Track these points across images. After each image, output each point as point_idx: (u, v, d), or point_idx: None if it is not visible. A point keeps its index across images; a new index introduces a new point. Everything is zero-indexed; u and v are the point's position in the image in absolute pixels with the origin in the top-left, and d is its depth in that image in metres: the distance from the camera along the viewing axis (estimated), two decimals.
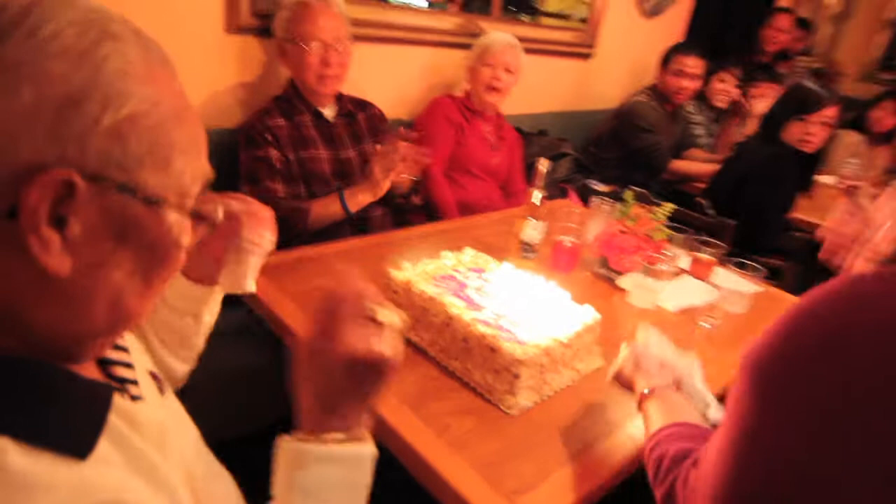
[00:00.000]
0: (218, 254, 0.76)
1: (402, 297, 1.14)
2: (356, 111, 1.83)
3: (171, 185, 0.45)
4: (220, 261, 0.76)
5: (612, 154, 2.77)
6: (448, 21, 2.35)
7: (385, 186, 1.60)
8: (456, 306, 1.05)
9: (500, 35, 2.16)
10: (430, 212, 2.04)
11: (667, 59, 2.76)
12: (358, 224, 1.70)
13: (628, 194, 1.51)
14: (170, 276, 0.48)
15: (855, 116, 3.41)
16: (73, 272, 0.40)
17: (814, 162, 2.26)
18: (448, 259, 1.26)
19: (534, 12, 2.72)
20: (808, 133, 2.12)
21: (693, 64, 2.70)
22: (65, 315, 0.42)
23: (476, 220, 1.88)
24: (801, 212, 2.36)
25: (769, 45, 3.59)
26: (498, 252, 1.43)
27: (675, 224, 1.62)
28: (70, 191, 0.39)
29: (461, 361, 1.03)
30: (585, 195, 2.12)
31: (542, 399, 1.02)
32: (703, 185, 2.57)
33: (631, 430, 0.98)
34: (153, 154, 0.43)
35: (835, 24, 5.69)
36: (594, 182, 2.67)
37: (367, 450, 0.57)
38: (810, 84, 2.23)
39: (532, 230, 1.51)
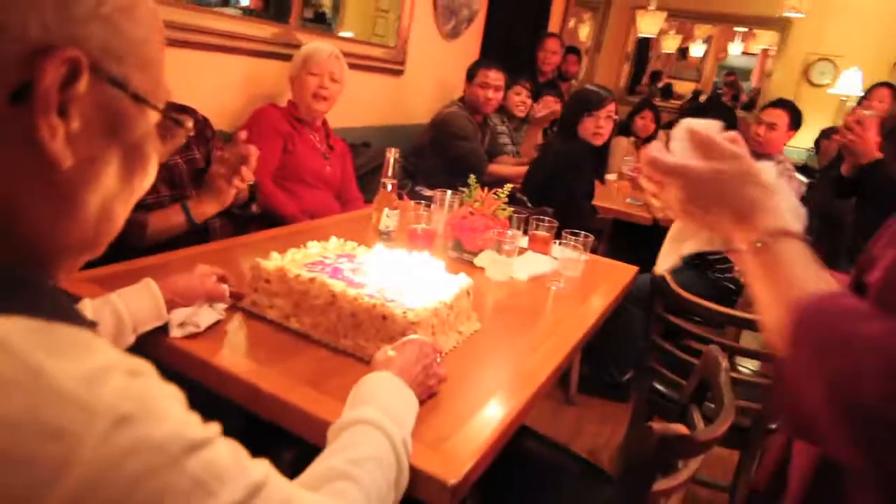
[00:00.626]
0: None
1: (275, 285, 1.08)
2: None
3: (151, 86, 0.45)
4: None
5: (434, 163, 2.91)
6: (265, 29, 2.31)
7: (230, 195, 1.49)
8: (337, 285, 1.03)
9: (322, 44, 2.18)
10: (269, 221, 1.95)
11: (472, 74, 3.01)
12: (199, 235, 1.56)
13: (472, 179, 1.61)
14: (145, 183, 0.48)
15: (622, 125, 4.06)
16: (72, 167, 0.40)
17: (605, 154, 2.64)
18: (314, 248, 1.22)
19: (330, 27, 2.81)
20: (598, 126, 2.46)
21: (495, 76, 2.98)
22: (58, 218, 0.42)
23: (322, 223, 1.84)
24: (597, 200, 2.73)
25: (545, 65, 4.14)
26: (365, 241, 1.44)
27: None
28: (75, 76, 0.39)
29: (352, 338, 1.02)
30: (414, 200, 2.21)
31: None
32: (516, 186, 2.84)
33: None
34: (139, 51, 0.44)
35: (590, 55, 6.69)
36: (421, 188, 2.78)
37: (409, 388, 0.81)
38: (592, 86, 2.61)
39: (388, 218, 1.54)
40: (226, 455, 0.40)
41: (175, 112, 0.49)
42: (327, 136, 2.26)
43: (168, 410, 0.37)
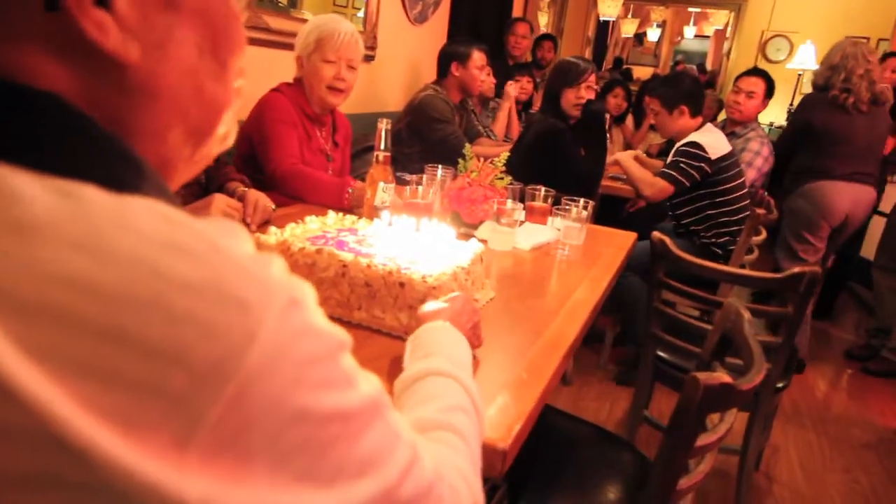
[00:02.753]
0: None
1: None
2: None
3: None
4: None
5: (413, 149, 2.84)
6: None
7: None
8: (346, 255, 0.96)
9: (338, 21, 1.78)
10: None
11: (466, 55, 2.88)
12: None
13: (467, 148, 1.55)
14: (237, 51, 0.43)
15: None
16: (141, 59, 0.37)
17: (598, 128, 2.59)
18: (313, 223, 1.14)
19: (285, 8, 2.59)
20: (579, 97, 2.44)
21: (484, 58, 2.92)
22: (155, 115, 0.39)
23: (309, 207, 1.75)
24: None
25: (515, 49, 4.11)
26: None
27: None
28: None
29: (366, 310, 0.96)
30: (400, 184, 2.13)
31: None
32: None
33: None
34: None
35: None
36: (403, 175, 2.71)
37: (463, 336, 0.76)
38: (571, 58, 2.58)
39: (384, 192, 1.47)
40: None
41: None
42: (334, 130, 1.99)
43: (316, 306, 0.36)
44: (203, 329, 0.29)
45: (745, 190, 2.53)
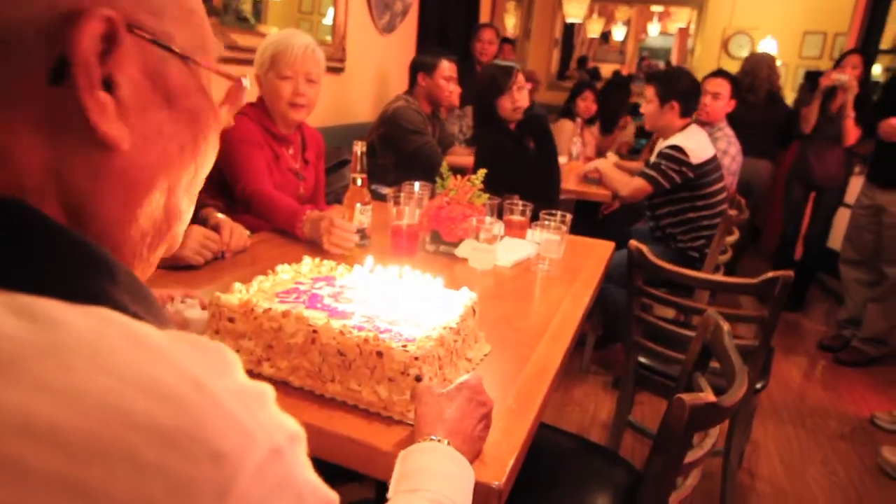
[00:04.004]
0: None
1: (241, 323, 0.90)
2: None
3: (199, 41, 0.40)
4: None
5: (387, 160, 2.82)
6: None
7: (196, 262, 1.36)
8: (318, 318, 0.86)
9: (293, 37, 1.72)
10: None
11: (433, 65, 2.87)
12: None
13: (444, 166, 1.55)
14: (209, 159, 0.43)
15: (565, 109, 4.10)
16: (132, 146, 0.36)
17: (540, 129, 2.56)
18: (286, 272, 1.05)
19: (250, 25, 2.53)
20: (514, 101, 2.43)
21: (452, 67, 2.90)
22: (127, 207, 0.38)
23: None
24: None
25: (482, 56, 4.13)
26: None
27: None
28: (113, 40, 0.34)
29: (340, 382, 0.83)
30: (375, 198, 2.11)
31: None
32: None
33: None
34: (180, 3, 0.39)
35: (519, 44, 6.75)
36: (379, 187, 2.70)
37: (465, 459, 0.68)
38: (493, 63, 2.59)
39: (361, 215, 1.46)
40: None
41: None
42: (304, 147, 1.90)
43: (304, 452, 0.33)
44: (172, 484, 0.26)
45: (725, 194, 2.57)
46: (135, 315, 0.33)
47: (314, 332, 0.84)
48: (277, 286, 1.01)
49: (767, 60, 3.72)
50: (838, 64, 3.42)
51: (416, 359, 0.78)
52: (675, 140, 2.49)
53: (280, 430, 0.31)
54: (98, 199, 0.36)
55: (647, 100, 2.58)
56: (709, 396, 0.90)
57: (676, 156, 2.45)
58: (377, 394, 0.81)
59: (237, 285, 0.95)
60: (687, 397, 0.88)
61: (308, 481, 0.32)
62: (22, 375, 0.26)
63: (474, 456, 0.71)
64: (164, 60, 0.38)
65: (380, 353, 0.80)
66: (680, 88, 2.52)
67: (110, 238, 0.38)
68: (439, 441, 0.68)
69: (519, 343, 1.07)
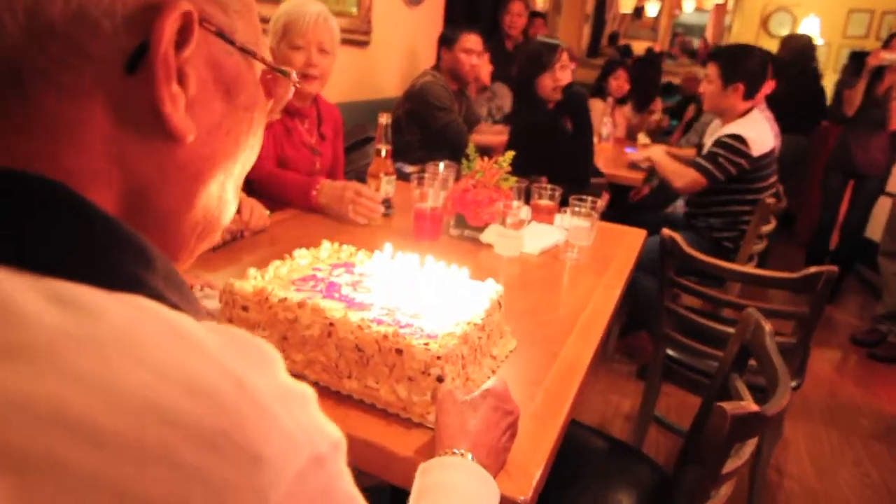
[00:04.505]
0: None
1: (255, 312, 0.85)
2: None
3: (255, 34, 0.40)
4: None
5: (412, 137, 2.75)
6: None
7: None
8: (336, 309, 0.81)
9: (305, 5, 1.64)
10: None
11: (452, 39, 2.79)
12: None
13: (471, 148, 1.49)
14: (255, 153, 0.43)
15: (596, 87, 3.97)
16: (195, 138, 0.36)
17: (580, 109, 2.46)
18: (303, 258, 1.00)
19: None
20: (556, 80, 2.30)
21: (476, 40, 2.80)
22: (184, 199, 0.38)
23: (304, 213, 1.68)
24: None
25: (511, 29, 4.00)
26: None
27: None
28: (187, 32, 0.34)
29: (358, 378, 0.79)
30: (398, 178, 2.05)
31: None
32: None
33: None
34: None
35: (549, 18, 6.56)
36: (402, 165, 2.64)
37: (489, 475, 0.62)
38: (538, 40, 2.47)
39: (388, 185, 1.43)
40: None
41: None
42: (319, 121, 1.83)
43: (344, 458, 0.32)
44: (210, 487, 0.25)
45: (774, 189, 2.40)
46: (172, 304, 0.32)
47: (331, 324, 0.79)
48: (294, 272, 0.96)
49: (804, 40, 3.88)
50: (887, 43, 3.22)
51: (439, 358, 0.73)
52: (736, 128, 2.29)
53: (323, 436, 0.30)
54: (159, 189, 0.36)
55: (709, 79, 2.37)
56: (751, 405, 0.83)
57: (736, 146, 2.26)
58: (396, 393, 0.76)
59: (252, 271, 0.91)
60: (728, 406, 0.81)
61: (347, 494, 0.31)
62: (59, 366, 0.25)
63: (499, 468, 0.66)
64: (228, 54, 0.38)
65: (399, 351, 0.74)
66: (748, 68, 2.29)
67: (165, 228, 0.38)
68: (462, 455, 0.62)
69: (546, 339, 1.01)
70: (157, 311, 0.30)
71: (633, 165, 2.83)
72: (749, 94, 2.31)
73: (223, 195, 0.41)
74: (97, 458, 0.24)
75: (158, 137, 0.35)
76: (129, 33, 0.32)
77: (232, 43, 0.37)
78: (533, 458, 0.70)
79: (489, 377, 0.85)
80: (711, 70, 2.37)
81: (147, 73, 0.33)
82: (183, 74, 0.34)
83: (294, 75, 0.45)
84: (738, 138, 2.26)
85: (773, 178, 2.38)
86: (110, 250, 0.31)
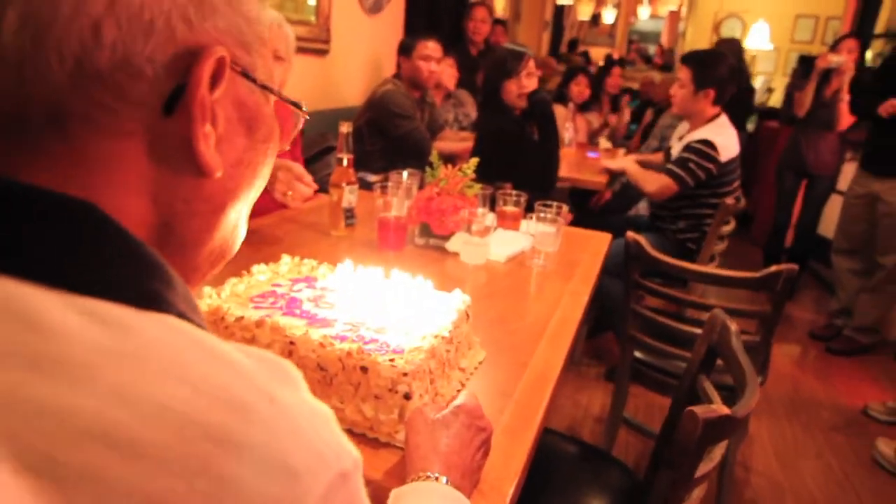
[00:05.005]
0: None
1: (213, 332, 0.81)
2: None
3: (269, 69, 0.42)
4: None
5: (374, 146, 2.72)
6: None
7: None
8: (296, 327, 0.78)
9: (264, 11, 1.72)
10: None
11: (410, 46, 2.80)
12: None
13: (434, 155, 1.47)
14: (264, 183, 0.44)
15: (557, 93, 4.01)
16: (223, 172, 0.38)
17: (545, 116, 2.47)
18: (262, 273, 0.96)
19: None
20: (521, 87, 2.31)
21: (434, 47, 2.79)
22: (205, 229, 0.40)
23: (263, 222, 1.64)
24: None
25: (475, 35, 4.01)
26: (322, 230, 1.33)
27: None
28: (220, 75, 0.36)
29: (322, 399, 0.74)
30: (361, 187, 2.02)
31: None
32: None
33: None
34: (257, 32, 0.39)
35: (509, 25, 6.63)
36: (365, 174, 2.60)
37: (464, 497, 0.60)
38: (506, 46, 2.48)
39: (350, 195, 1.40)
40: None
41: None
42: None
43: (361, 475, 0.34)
44: (247, 499, 0.26)
45: (738, 193, 2.44)
46: (196, 325, 0.33)
47: (291, 343, 0.75)
48: (253, 289, 0.92)
49: (735, 44, 4.16)
50: (834, 47, 3.34)
51: (405, 374, 0.70)
52: (706, 133, 2.33)
53: (346, 454, 0.31)
54: (185, 220, 0.38)
55: (681, 83, 2.40)
56: (721, 408, 0.83)
57: (707, 151, 2.30)
58: (362, 413, 0.72)
59: (207, 289, 0.87)
60: (699, 410, 0.81)
61: None
62: (98, 381, 0.26)
63: (473, 488, 0.64)
64: (251, 92, 0.39)
65: (364, 369, 0.71)
66: (720, 74, 2.34)
67: (184, 254, 0.39)
68: (437, 479, 0.60)
69: (515, 347, 0.99)
70: (187, 329, 0.31)
71: (607, 171, 2.86)
72: (718, 100, 2.37)
73: (238, 223, 0.43)
74: (137, 471, 0.25)
75: (189, 173, 0.36)
76: (168, 77, 0.34)
77: (254, 81, 0.39)
78: (505, 474, 0.68)
79: (459, 391, 0.82)
80: (684, 74, 2.39)
81: (183, 113, 0.35)
82: (213, 114, 0.36)
83: (304, 107, 0.48)
84: (709, 144, 2.30)
85: (737, 184, 2.44)
86: (140, 272, 0.33)
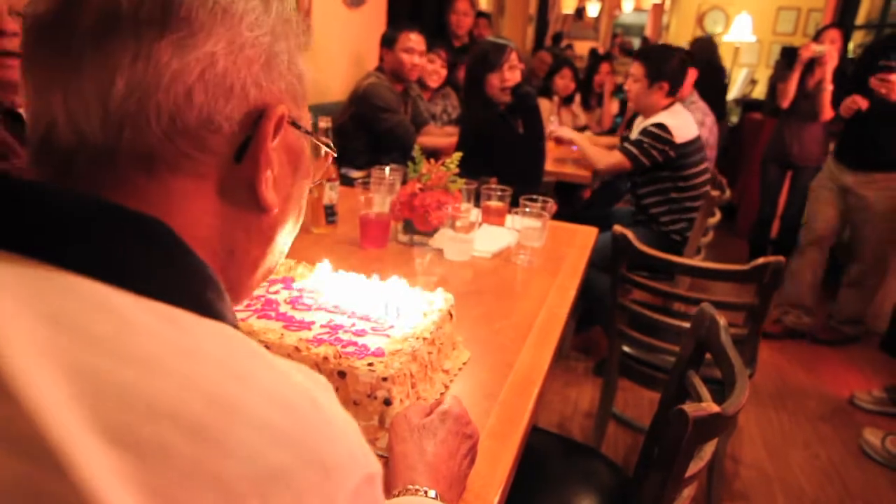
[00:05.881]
0: None
1: None
2: None
3: (308, 118, 0.48)
4: None
5: (358, 142, 2.68)
6: None
7: None
8: (272, 330, 0.76)
9: None
10: None
11: (392, 38, 2.75)
12: None
13: (416, 150, 1.44)
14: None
15: (542, 87, 3.98)
16: (277, 207, 0.43)
17: (531, 110, 2.45)
18: None
19: None
20: (504, 80, 2.28)
21: (417, 40, 2.75)
22: (260, 258, 0.46)
23: None
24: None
25: (458, 29, 3.97)
26: (303, 228, 1.24)
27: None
28: (278, 127, 0.42)
29: None
30: (344, 184, 1.99)
31: None
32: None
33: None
34: (305, 87, 0.46)
35: (494, 19, 6.59)
36: (349, 171, 2.56)
37: None
38: (488, 39, 2.46)
39: (331, 191, 1.36)
40: None
41: None
42: None
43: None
44: (289, 486, 0.30)
45: (707, 176, 2.49)
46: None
47: (266, 347, 0.72)
48: None
49: (706, 40, 4.28)
50: (817, 38, 3.35)
51: (385, 380, 0.67)
52: (660, 118, 2.39)
53: (373, 459, 0.35)
54: (245, 248, 0.44)
55: (634, 78, 2.44)
56: (711, 406, 0.81)
57: (660, 134, 2.36)
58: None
59: None
60: (689, 409, 0.79)
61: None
62: (170, 370, 0.30)
63: (458, 498, 0.62)
64: (297, 137, 0.45)
65: (342, 374, 0.68)
66: (671, 67, 2.40)
67: (238, 278, 0.44)
68: (425, 494, 0.57)
69: (501, 347, 0.97)
70: (240, 336, 0.36)
71: (558, 141, 2.85)
72: (672, 92, 2.43)
73: (283, 249, 0.49)
74: (198, 451, 0.28)
75: (251, 210, 0.42)
76: (240, 131, 0.40)
77: (299, 128, 0.45)
78: (491, 481, 0.66)
79: (443, 394, 0.80)
80: (637, 69, 2.44)
81: (250, 161, 0.40)
82: (272, 160, 0.41)
83: (325, 125, 0.56)
84: (661, 126, 2.37)
85: (703, 166, 2.48)
86: (203, 287, 0.37)
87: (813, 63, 3.20)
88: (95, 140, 0.36)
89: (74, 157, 0.37)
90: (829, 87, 3.10)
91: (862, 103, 2.63)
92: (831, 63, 3.09)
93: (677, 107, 2.46)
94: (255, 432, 0.30)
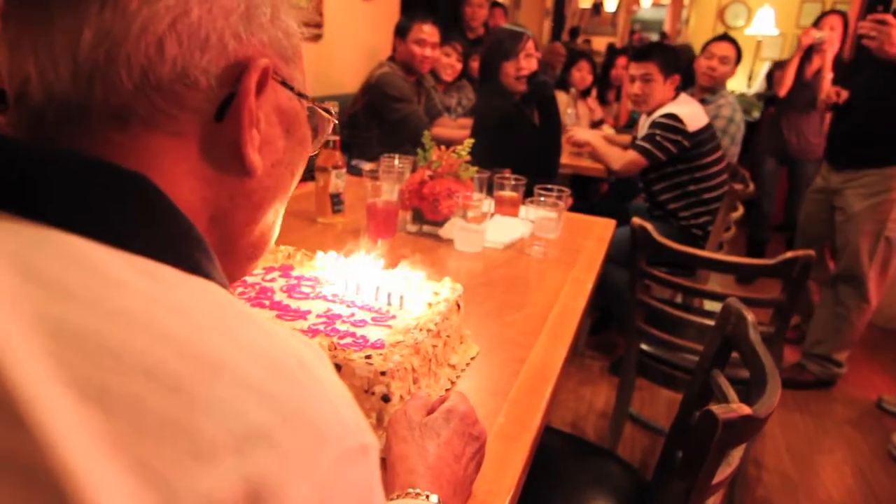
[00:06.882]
0: None
1: None
2: None
3: (302, 77, 0.45)
4: None
5: (371, 132, 2.63)
6: None
7: None
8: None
9: None
10: None
11: (405, 29, 2.70)
12: None
13: (426, 136, 1.38)
14: (296, 183, 0.48)
15: (559, 80, 3.90)
16: (263, 172, 0.41)
17: (548, 101, 2.37)
18: None
19: None
20: (519, 69, 2.20)
21: (430, 31, 2.68)
22: (247, 225, 0.43)
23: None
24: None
25: (473, 21, 3.90)
26: (309, 217, 1.31)
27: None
28: (263, 83, 0.39)
29: None
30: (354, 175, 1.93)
31: None
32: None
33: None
34: (295, 45, 0.43)
35: (510, 12, 6.51)
36: (360, 162, 2.51)
37: None
38: (504, 27, 2.38)
39: (337, 179, 1.31)
40: None
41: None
42: None
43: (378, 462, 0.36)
44: (272, 445, 0.28)
45: (725, 163, 2.40)
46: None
47: None
48: None
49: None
50: (817, 24, 3.20)
51: (383, 374, 0.61)
52: (668, 108, 2.32)
53: (367, 431, 0.33)
54: (230, 215, 0.41)
55: (645, 77, 2.38)
56: (742, 408, 0.74)
57: (672, 124, 2.28)
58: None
59: None
60: (718, 410, 0.72)
61: (382, 495, 0.35)
62: (149, 325, 0.29)
63: (464, 502, 0.56)
64: (289, 99, 0.43)
65: (338, 367, 0.63)
66: (682, 62, 2.40)
67: (225, 249, 0.42)
68: (426, 498, 0.52)
69: (512, 342, 0.90)
70: (226, 295, 0.35)
71: (576, 150, 2.78)
72: (681, 86, 2.42)
73: (275, 220, 0.46)
74: (173, 405, 0.27)
75: (235, 172, 0.40)
76: (220, 87, 0.37)
77: (292, 89, 0.42)
78: (499, 486, 0.59)
79: (448, 390, 0.73)
80: (650, 68, 2.36)
81: (233, 119, 0.38)
82: (257, 119, 0.39)
83: (334, 111, 0.51)
84: (672, 116, 2.29)
85: (718, 154, 2.39)
86: (185, 240, 0.36)
87: (812, 50, 3.08)
88: (67, 95, 0.35)
89: (45, 113, 0.35)
90: (828, 76, 2.95)
91: (842, 95, 2.37)
92: (831, 50, 2.95)
93: (683, 96, 2.41)
94: (237, 390, 0.28)
